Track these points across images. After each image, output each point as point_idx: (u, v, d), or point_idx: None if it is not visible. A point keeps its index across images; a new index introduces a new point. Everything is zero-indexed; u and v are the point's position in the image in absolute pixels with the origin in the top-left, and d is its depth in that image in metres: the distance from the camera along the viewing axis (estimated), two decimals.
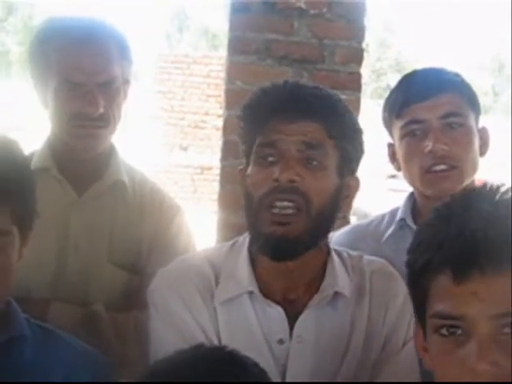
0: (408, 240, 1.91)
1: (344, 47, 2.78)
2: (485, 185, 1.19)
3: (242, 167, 1.59)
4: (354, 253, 1.65)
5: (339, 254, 1.61)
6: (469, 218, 1.10)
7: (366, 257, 1.64)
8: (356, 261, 1.62)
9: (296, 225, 1.45)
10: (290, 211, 1.45)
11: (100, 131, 1.88)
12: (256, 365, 1.19)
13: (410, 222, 1.97)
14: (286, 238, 1.45)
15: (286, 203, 1.45)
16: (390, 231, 2.00)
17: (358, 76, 2.81)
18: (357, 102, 2.74)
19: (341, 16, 2.76)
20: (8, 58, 35.14)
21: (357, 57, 2.80)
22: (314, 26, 2.76)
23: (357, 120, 1.59)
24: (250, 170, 1.52)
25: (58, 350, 1.44)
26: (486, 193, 1.16)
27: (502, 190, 1.16)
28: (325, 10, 2.76)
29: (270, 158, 1.48)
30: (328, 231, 1.55)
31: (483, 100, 33.20)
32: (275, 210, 1.45)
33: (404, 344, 1.55)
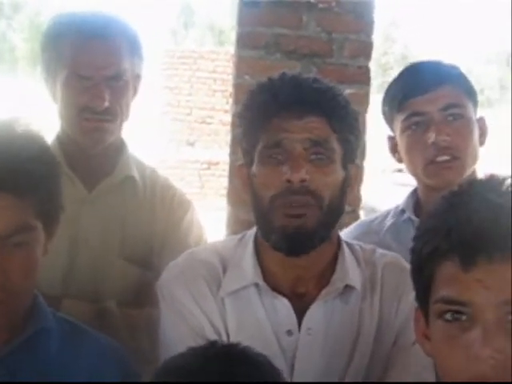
0: (407, 231, 1.97)
1: (353, 41, 2.77)
2: (492, 176, 1.20)
3: (240, 163, 1.59)
4: (367, 246, 1.65)
5: (351, 247, 1.61)
6: (477, 206, 1.11)
7: (380, 250, 1.64)
8: (368, 254, 1.62)
9: (310, 218, 1.45)
10: (302, 206, 1.45)
11: (106, 125, 1.87)
12: (270, 364, 1.18)
13: (410, 213, 2.00)
14: (303, 229, 1.45)
15: (298, 203, 1.45)
16: (390, 222, 2.04)
17: (367, 70, 2.81)
18: (366, 96, 2.74)
19: (349, 10, 2.76)
20: (14, 54, 35.22)
21: (365, 51, 2.79)
22: (323, 20, 2.76)
23: (354, 109, 1.57)
24: (255, 169, 1.51)
25: (84, 343, 1.44)
26: (493, 183, 1.17)
27: (508, 182, 1.17)
28: (333, 3, 2.75)
29: (278, 157, 1.47)
30: (337, 222, 1.55)
31: (489, 93, 33.12)
32: (288, 207, 1.45)
33: None
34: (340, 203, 1.52)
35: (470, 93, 1.96)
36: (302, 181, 1.44)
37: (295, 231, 1.45)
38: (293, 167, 1.44)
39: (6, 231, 1.29)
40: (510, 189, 1.15)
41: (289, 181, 1.44)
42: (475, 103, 1.97)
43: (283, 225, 1.46)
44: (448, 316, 1.11)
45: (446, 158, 1.87)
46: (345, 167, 1.52)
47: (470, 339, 1.08)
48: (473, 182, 1.21)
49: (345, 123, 1.51)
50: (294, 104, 1.46)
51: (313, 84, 1.52)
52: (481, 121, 1.97)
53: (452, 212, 1.13)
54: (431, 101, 1.88)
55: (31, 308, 1.40)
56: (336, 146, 1.49)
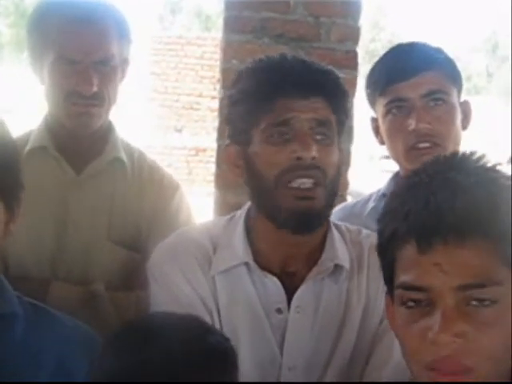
0: None
1: (340, 25, 2.77)
2: (456, 153, 1.17)
3: (228, 144, 1.61)
4: (352, 227, 1.67)
5: (338, 228, 1.63)
6: (436, 187, 1.09)
7: (365, 231, 1.66)
8: (354, 234, 1.64)
9: (318, 199, 1.48)
10: (309, 186, 1.48)
11: (94, 110, 1.87)
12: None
13: None
14: (311, 211, 1.48)
15: (305, 180, 1.47)
16: (371, 206, 2.05)
17: (355, 54, 2.80)
18: (353, 81, 2.73)
19: None
20: None
21: (353, 35, 2.79)
22: (311, 4, 2.75)
23: (348, 92, 1.62)
24: (257, 148, 1.51)
25: (50, 327, 1.41)
26: (457, 161, 1.14)
27: (475, 157, 1.14)
28: None
29: (284, 136, 1.49)
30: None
31: (477, 81, 33.20)
32: (294, 185, 1.47)
33: None
34: (338, 183, 1.56)
35: (455, 77, 1.95)
36: (313, 158, 1.47)
37: (305, 212, 1.48)
38: (304, 145, 1.47)
39: None
40: (476, 165, 1.12)
41: (299, 158, 1.47)
42: (460, 88, 1.96)
43: (292, 206, 1.48)
44: (409, 302, 1.10)
45: (426, 144, 1.87)
46: (339, 148, 1.56)
47: (428, 324, 1.06)
48: (435, 160, 1.18)
49: (342, 106, 1.56)
50: (300, 84, 1.49)
51: (315, 65, 1.55)
52: (464, 104, 1.97)
53: (411, 194, 1.12)
54: (414, 87, 1.87)
55: None
56: (335, 127, 1.54)
